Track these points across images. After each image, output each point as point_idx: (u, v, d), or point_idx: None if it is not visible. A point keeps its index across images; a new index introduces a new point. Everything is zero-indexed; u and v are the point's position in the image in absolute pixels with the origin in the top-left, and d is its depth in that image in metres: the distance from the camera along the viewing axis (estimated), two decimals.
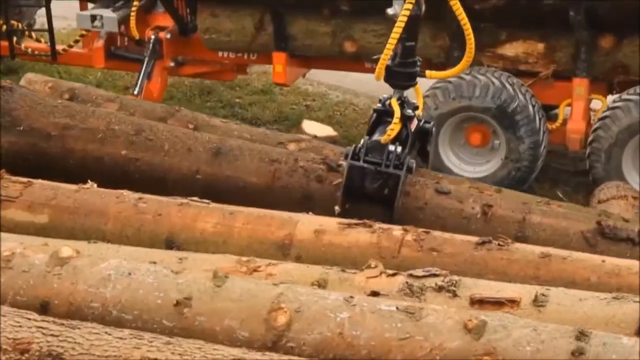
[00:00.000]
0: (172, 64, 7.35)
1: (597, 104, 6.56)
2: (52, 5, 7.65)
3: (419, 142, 4.51)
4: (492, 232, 3.89)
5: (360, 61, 6.97)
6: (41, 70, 8.51)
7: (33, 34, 7.97)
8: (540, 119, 6.25)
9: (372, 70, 7.03)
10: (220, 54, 7.25)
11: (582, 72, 6.27)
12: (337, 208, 4.08)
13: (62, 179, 3.96)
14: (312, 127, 6.37)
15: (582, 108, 6.38)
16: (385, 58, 4.23)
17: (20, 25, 7.95)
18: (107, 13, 7.27)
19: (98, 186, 3.88)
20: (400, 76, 4.37)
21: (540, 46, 6.37)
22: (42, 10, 7.77)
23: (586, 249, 3.86)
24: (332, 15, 6.72)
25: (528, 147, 6.25)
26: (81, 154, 4.28)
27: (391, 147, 4.14)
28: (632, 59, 6.18)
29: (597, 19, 6.11)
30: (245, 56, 7.25)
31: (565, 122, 6.48)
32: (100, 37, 7.54)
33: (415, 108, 4.43)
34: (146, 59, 7.15)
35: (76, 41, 7.76)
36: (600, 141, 6.13)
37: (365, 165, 4.11)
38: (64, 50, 7.69)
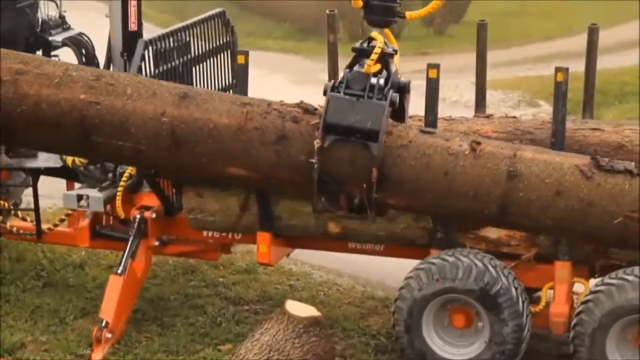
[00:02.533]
0: (156, 243, 7.37)
1: (579, 287, 6.57)
2: (39, 184, 7.74)
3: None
4: (482, 168, 3.70)
5: (344, 241, 7.01)
6: (25, 249, 8.53)
7: (19, 213, 8.02)
8: (523, 302, 6.25)
9: (356, 251, 7.16)
10: (205, 233, 7.29)
11: (564, 255, 6.31)
12: (316, 142, 3.82)
13: (16, 125, 3.68)
14: (296, 307, 6.35)
15: (565, 291, 6.39)
16: None
17: (6, 204, 8.01)
18: (94, 193, 7.33)
19: (53, 132, 3.62)
20: (380, 11, 4.10)
21: None
22: (29, 190, 7.86)
23: (582, 181, 3.66)
24: None
25: (512, 330, 6.24)
26: (35, 99, 3.98)
27: (373, 80, 3.91)
28: None
29: None
30: (230, 236, 7.28)
31: (548, 305, 6.48)
32: (85, 216, 7.59)
33: (395, 51, 4.16)
34: (131, 238, 7.18)
35: (61, 220, 7.80)
36: (583, 325, 6.13)
37: (347, 97, 3.85)
38: (49, 229, 7.73)
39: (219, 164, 4.00)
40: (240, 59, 6.57)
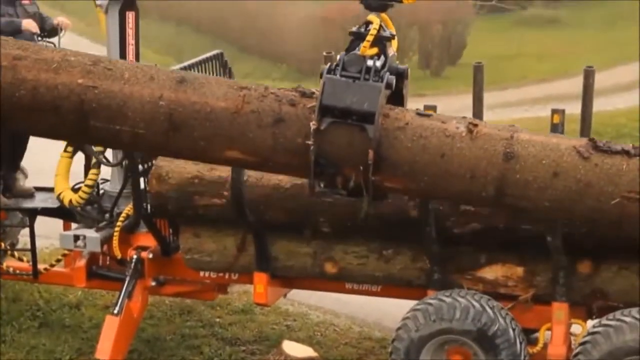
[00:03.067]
0: (153, 284, 7.35)
1: (577, 328, 6.56)
2: (36, 224, 7.74)
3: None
4: (478, 149, 3.66)
5: (341, 282, 7.00)
6: (21, 289, 8.51)
7: (16, 253, 8.01)
8: (520, 343, 6.24)
9: (353, 291, 7.15)
10: (201, 273, 7.28)
11: (562, 297, 6.31)
12: (312, 124, 3.78)
13: (15, 110, 3.65)
14: (293, 348, 6.34)
15: (562, 332, 6.38)
16: None
17: (3, 244, 8.01)
18: (90, 233, 7.33)
19: (51, 117, 3.57)
20: None
21: (520, 270, 6.44)
22: (26, 230, 7.85)
23: (579, 162, 3.62)
24: (313, 236, 6.81)
25: None
26: (33, 84, 3.94)
27: (369, 62, 3.89)
28: (610, 284, 6.25)
29: (574, 244, 6.20)
30: (227, 276, 7.27)
31: (546, 346, 6.46)
32: (82, 256, 7.58)
33: (392, 35, 4.13)
34: (127, 278, 7.16)
35: (58, 260, 7.79)
36: None
37: (343, 79, 3.83)
38: (45, 269, 7.72)
39: (216, 148, 3.96)
40: None
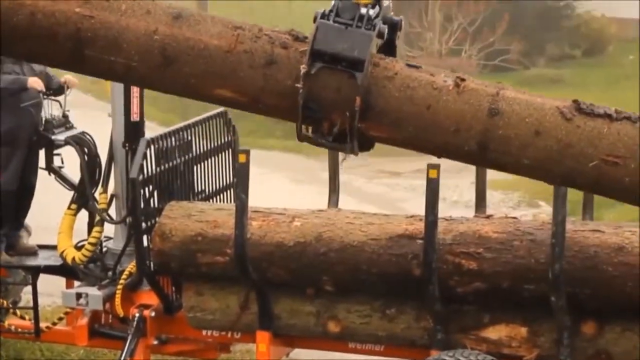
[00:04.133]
0: (155, 342, 7.32)
1: None
2: (39, 282, 7.72)
3: (387, 32, 4.08)
4: (464, 104, 3.70)
5: (344, 341, 6.97)
6: (23, 347, 8.46)
7: (18, 311, 7.98)
8: None
9: (356, 351, 7.11)
10: (204, 332, 7.25)
11: (566, 357, 6.27)
12: (303, 67, 3.77)
13: (12, 35, 3.75)
14: None
15: None
16: None
17: (5, 302, 7.99)
18: (93, 291, 7.32)
19: (47, 43, 3.68)
20: None
21: (523, 330, 6.41)
22: (28, 288, 7.84)
23: (561, 122, 3.66)
24: (317, 295, 6.79)
25: None
26: (31, 9, 3.91)
27: (363, 10, 3.88)
28: (614, 345, 6.21)
29: (578, 305, 6.18)
30: (230, 335, 7.24)
31: None
32: (84, 314, 7.56)
33: None
34: (130, 337, 7.13)
35: (60, 319, 7.76)
36: None
37: (336, 24, 3.82)
38: (47, 327, 7.69)
39: (207, 85, 3.97)
40: (242, 158, 6.62)
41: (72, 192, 7.79)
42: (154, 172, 7.11)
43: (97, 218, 7.57)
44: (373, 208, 10.37)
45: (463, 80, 3.86)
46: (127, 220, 7.31)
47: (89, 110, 13.67)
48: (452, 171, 16.37)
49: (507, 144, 3.77)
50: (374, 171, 18.23)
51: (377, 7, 4.00)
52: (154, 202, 7.22)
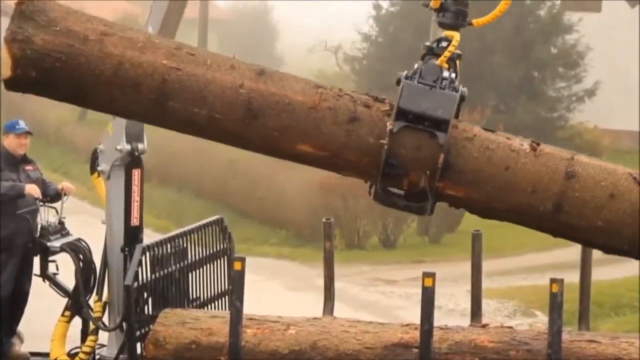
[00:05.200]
0: None
1: None
2: None
3: None
4: (541, 166, 3.84)
5: None
6: None
7: None
8: None
9: None
10: None
11: None
12: (389, 124, 3.92)
13: (94, 84, 3.74)
14: None
15: None
16: None
17: None
18: None
19: (131, 93, 3.70)
20: (453, 14, 4.27)
21: None
22: None
23: (634, 187, 3.85)
24: None
25: None
26: (119, 59, 3.99)
27: (445, 73, 4.03)
28: None
29: None
30: None
31: None
32: None
33: (460, 55, 4.26)
34: None
35: None
36: None
37: (421, 85, 3.97)
38: None
39: (289, 140, 4.12)
40: (237, 265, 6.61)
41: (65, 298, 7.75)
42: (148, 279, 7.09)
43: (92, 327, 7.52)
44: (368, 316, 10.33)
45: (538, 144, 4.03)
46: (121, 327, 7.26)
47: (85, 216, 13.69)
48: (447, 279, 16.35)
49: (583, 206, 3.98)
50: (370, 279, 18.19)
51: (453, 72, 4.20)
52: (149, 309, 7.18)
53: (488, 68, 28.18)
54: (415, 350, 6.34)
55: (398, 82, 4.13)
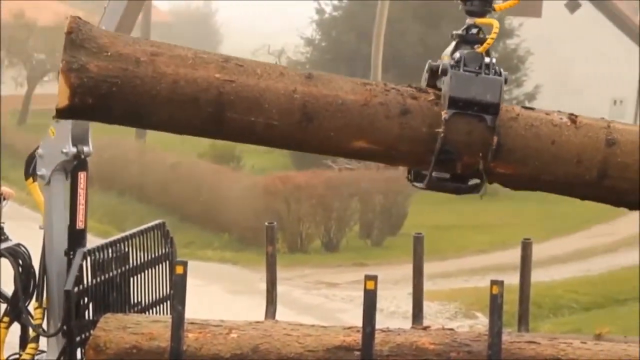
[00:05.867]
0: None
1: None
2: None
3: None
4: (583, 137, 4.07)
5: None
6: None
7: None
8: None
9: None
10: None
11: None
12: (444, 113, 4.05)
13: (152, 105, 3.82)
14: None
15: None
16: None
17: None
18: None
19: (189, 109, 3.81)
20: (480, 1, 4.40)
21: None
22: None
23: None
24: None
25: None
26: (173, 77, 4.08)
27: (487, 59, 4.19)
28: None
29: None
30: None
31: None
32: None
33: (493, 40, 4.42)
34: None
35: None
36: None
37: (467, 73, 4.12)
38: None
39: (345, 138, 4.24)
40: (179, 269, 6.58)
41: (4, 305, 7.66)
42: (89, 283, 7.04)
43: (33, 334, 7.44)
44: (311, 319, 10.37)
45: (576, 116, 4.26)
46: (61, 332, 7.20)
47: (25, 221, 13.55)
48: (389, 282, 16.45)
49: (625, 169, 4.20)
50: (312, 282, 18.24)
51: (491, 57, 4.35)
52: (89, 314, 7.13)
53: None
54: (357, 352, 6.36)
55: (442, 72, 4.29)
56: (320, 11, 32.43)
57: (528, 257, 6.71)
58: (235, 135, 4.41)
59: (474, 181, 4.62)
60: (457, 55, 4.34)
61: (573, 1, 32.90)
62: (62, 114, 4.25)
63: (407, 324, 7.24)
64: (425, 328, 6.83)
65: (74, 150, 7.16)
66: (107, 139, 23.23)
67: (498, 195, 26.75)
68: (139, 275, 7.61)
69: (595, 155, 4.22)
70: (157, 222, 7.84)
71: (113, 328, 6.86)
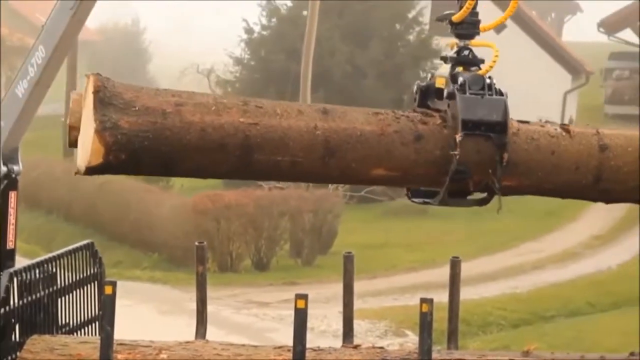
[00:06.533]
0: None
1: None
2: None
3: None
4: (578, 145, 4.34)
5: None
6: None
7: None
8: None
9: None
10: None
11: None
12: (458, 136, 4.26)
13: (181, 154, 3.92)
14: None
15: None
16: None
17: None
18: None
19: (218, 155, 3.94)
20: (469, 25, 4.67)
21: None
22: None
23: None
24: None
25: None
26: (200, 126, 4.15)
27: (487, 80, 4.43)
28: None
29: None
30: None
31: None
32: None
33: (482, 61, 4.67)
34: None
35: None
36: None
37: (472, 95, 4.36)
38: None
39: (365, 168, 4.43)
40: (108, 290, 6.52)
41: None
42: (16, 305, 6.94)
43: None
44: (241, 339, 10.31)
45: (568, 126, 4.54)
46: None
47: None
48: (320, 301, 16.45)
49: (617, 172, 4.48)
50: (242, 301, 18.17)
51: (491, 79, 4.59)
52: (16, 336, 7.03)
53: (359, 92, 28.55)
54: None
55: (449, 96, 4.49)
56: (249, 30, 32.44)
57: (457, 275, 6.77)
58: (262, 175, 4.58)
59: (478, 195, 4.85)
60: (460, 79, 4.56)
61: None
62: (93, 171, 4.26)
63: (338, 343, 7.25)
64: (355, 347, 6.85)
65: (4, 169, 7.08)
66: (34, 158, 22.98)
67: (427, 213, 26.98)
68: (67, 296, 7.53)
69: (590, 161, 4.49)
70: (85, 242, 7.76)
71: (40, 350, 6.77)
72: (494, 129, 4.42)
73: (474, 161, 4.43)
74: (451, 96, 4.51)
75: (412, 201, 5.00)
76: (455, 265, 6.81)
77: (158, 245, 21.88)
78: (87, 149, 4.29)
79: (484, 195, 4.78)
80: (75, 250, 7.61)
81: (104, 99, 4.29)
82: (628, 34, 40.08)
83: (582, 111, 38.51)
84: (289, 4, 33.21)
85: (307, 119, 4.36)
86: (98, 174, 4.32)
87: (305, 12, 28.67)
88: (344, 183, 5.13)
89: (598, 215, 25.29)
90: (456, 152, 4.37)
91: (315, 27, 26.66)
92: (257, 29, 32.50)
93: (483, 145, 4.39)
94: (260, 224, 21.26)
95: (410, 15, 31.77)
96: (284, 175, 4.52)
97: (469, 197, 4.77)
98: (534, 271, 21.18)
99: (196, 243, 7.13)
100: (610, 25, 39.46)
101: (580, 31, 56.22)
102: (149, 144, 4.21)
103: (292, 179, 5.01)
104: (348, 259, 7.04)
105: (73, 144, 4.51)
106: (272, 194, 22.54)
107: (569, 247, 23.84)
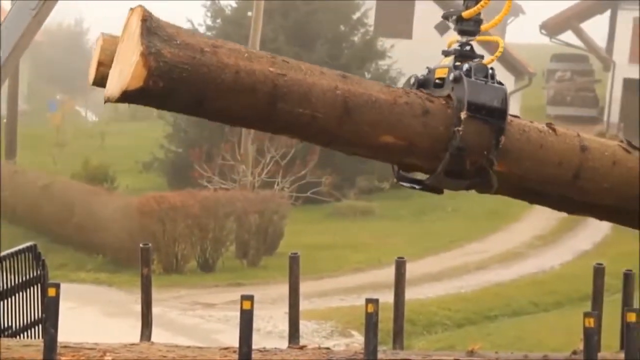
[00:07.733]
0: None
1: None
2: None
3: None
4: (562, 143, 4.69)
5: None
6: None
7: None
8: None
9: None
10: None
11: None
12: (463, 114, 4.55)
13: (213, 92, 4.18)
14: None
15: None
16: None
17: None
18: None
19: (247, 98, 4.21)
20: (473, 23, 4.93)
21: None
22: None
23: (626, 155, 4.79)
24: None
25: None
26: (235, 68, 4.39)
27: (490, 70, 4.72)
28: None
29: None
30: None
31: None
32: None
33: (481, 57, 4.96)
34: None
35: None
36: None
37: (478, 81, 4.65)
38: None
39: (376, 133, 4.70)
40: (51, 292, 6.46)
41: None
42: None
43: None
44: (187, 340, 10.29)
45: (552, 124, 4.88)
46: None
47: None
48: (266, 302, 16.45)
49: (594, 172, 4.81)
50: (188, 303, 18.11)
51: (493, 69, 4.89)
52: None
53: None
54: None
55: (455, 79, 4.75)
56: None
57: (402, 275, 6.80)
58: (282, 126, 4.77)
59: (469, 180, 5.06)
60: (466, 66, 4.83)
61: (442, 24, 33.59)
62: (128, 96, 4.41)
63: (284, 344, 7.25)
64: (301, 347, 6.85)
65: None
66: None
67: (373, 214, 27.09)
68: (9, 299, 7.44)
69: (573, 159, 4.81)
70: (28, 244, 7.69)
71: None
72: (493, 115, 4.72)
73: (472, 141, 4.71)
74: (457, 80, 4.79)
75: (400, 184, 5.20)
76: (400, 265, 6.84)
77: (103, 247, 21.73)
78: (126, 75, 4.46)
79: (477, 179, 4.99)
80: (17, 253, 7.52)
81: (150, 28, 4.49)
82: (569, 36, 40.63)
83: (524, 112, 38.90)
84: (234, 4, 33.17)
85: (329, 79, 4.60)
86: (131, 101, 4.52)
87: (250, 13, 28.65)
88: (350, 147, 5.25)
89: (541, 216, 25.57)
90: (460, 129, 4.65)
91: (260, 28, 26.66)
92: (202, 29, 32.40)
93: (482, 127, 4.67)
94: (206, 225, 21.21)
95: (355, 17, 31.89)
96: (302, 129, 4.75)
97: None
98: (478, 271, 21.37)
99: (141, 245, 7.08)
100: (552, 27, 39.98)
101: (523, 33, 56.73)
102: (187, 76, 4.43)
103: (307, 136, 5.17)
104: (294, 260, 7.04)
105: (98, 81, 4.67)
106: (218, 195, 22.49)
107: (512, 247, 24.08)
